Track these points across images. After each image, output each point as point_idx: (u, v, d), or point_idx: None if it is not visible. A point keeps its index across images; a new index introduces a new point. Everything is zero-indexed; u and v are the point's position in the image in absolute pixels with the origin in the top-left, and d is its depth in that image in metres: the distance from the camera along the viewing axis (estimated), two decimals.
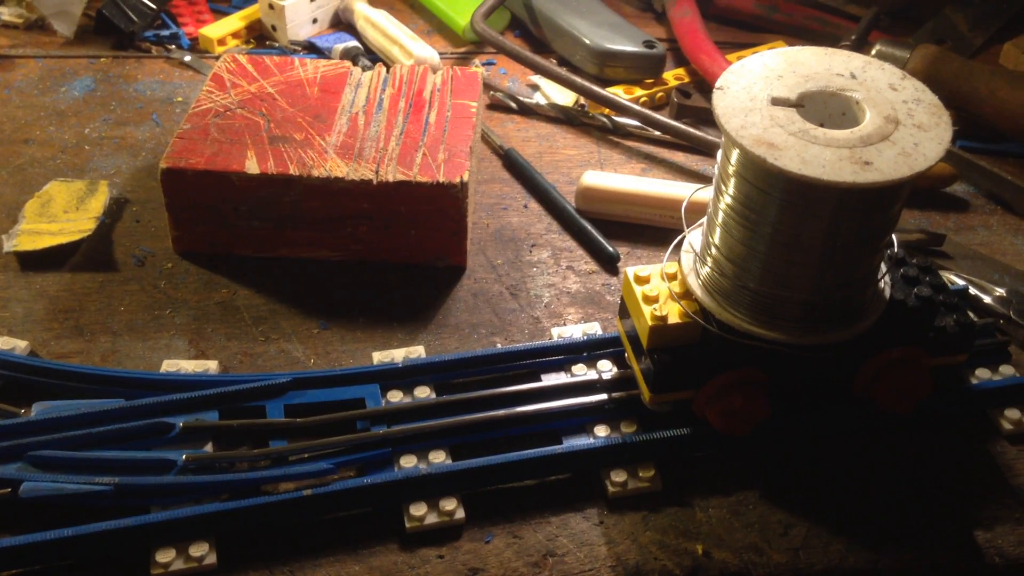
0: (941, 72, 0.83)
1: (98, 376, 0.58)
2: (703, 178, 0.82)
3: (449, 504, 0.54)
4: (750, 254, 0.52)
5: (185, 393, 0.57)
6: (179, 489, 0.53)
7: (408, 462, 0.56)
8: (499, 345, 0.65)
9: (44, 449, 0.53)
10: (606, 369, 0.61)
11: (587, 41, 0.90)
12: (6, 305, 0.65)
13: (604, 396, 0.59)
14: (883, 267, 0.55)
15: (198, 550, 0.51)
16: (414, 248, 0.70)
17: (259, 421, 0.57)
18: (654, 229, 0.75)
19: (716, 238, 0.53)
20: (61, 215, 0.71)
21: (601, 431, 0.58)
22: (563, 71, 0.86)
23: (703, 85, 0.91)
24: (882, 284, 0.56)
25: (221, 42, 0.92)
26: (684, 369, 0.55)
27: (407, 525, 0.53)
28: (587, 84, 0.86)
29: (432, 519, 0.53)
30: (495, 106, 0.88)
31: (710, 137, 0.82)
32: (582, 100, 0.89)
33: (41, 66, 0.89)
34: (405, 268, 0.70)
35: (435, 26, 1.00)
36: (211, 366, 0.61)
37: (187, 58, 0.91)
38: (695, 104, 0.87)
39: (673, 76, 0.92)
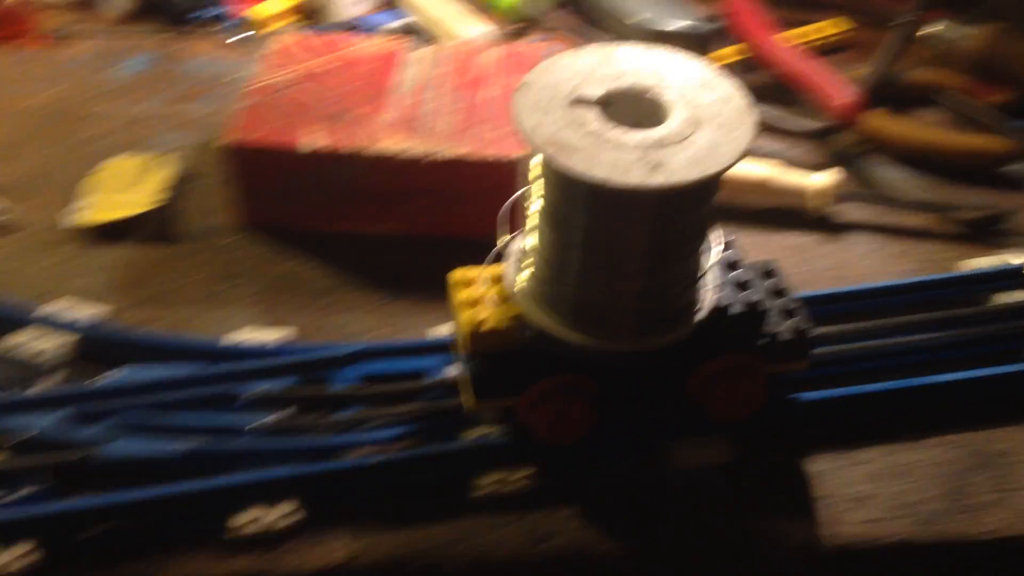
0: (1004, 51, 0.83)
1: (174, 343, 0.60)
2: (764, 155, 0.82)
3: (518, 474, 0.56)
4: (559, 257, 0.51)
5: (259, 361, 0.59)
6: (257, 453, 0.55)
7: (474, 433, 0.57)
8: None
9: (127, 411, 0.55)
10: None
11: (637, 18, 0.92)
12: (82, 274, 0.67)
13: None
14: (712, 271, 0.54)
15: (279, 511, 0.53)
16: (471, 223, 0.71)
17: (330, 389, 0.59)
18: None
19: (532, 241, 0.52)
20: (127, 188, 0.73)
21: None
22: None
23: (756, 64, 0.91)
24: (707, 288, 0.54)
25: (271, 21, 0.94)
26: (505, 375, 0.53)
27: (478, 492, 0.55)
28: None
29: (505, 487, 0.55)
30: None
31: (763, 114, 0.83)
32: None
33: (95, 45, 0.91)
34: (464, 243, 0.72)
35: (483, 4, 1.01)
36: (280, 336, 0.63)
37: (238, 37, 0.92)
38: (752, 81, 0.87)
39: (726, 54, 0.93)
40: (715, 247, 0.54)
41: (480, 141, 0.68)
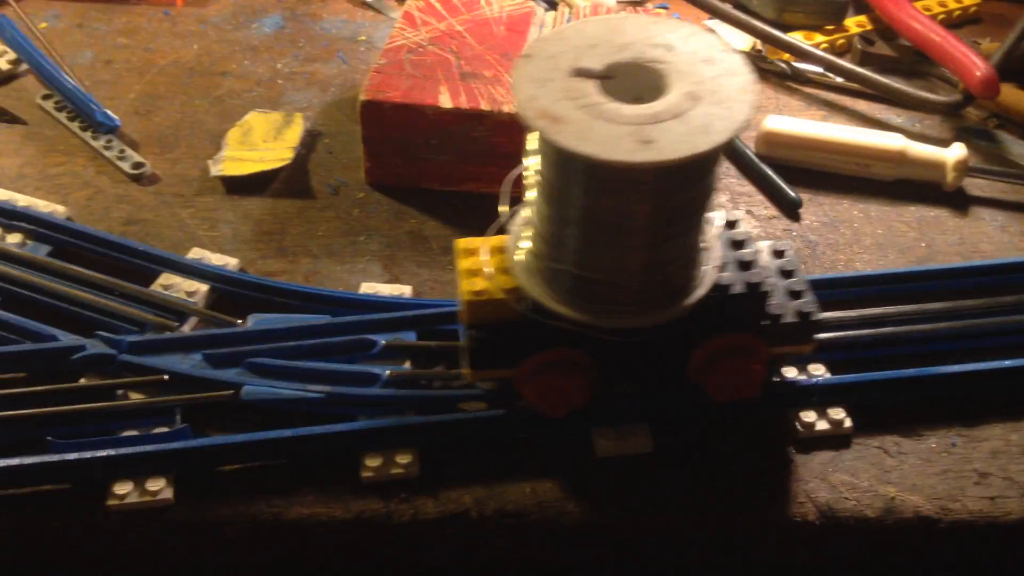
0: None
1: (304, 293, 0.62)
2: (888, 127, 0.80)
3: (637, 432, 0.55)
4: (556, 231, 0.49)
5: (385, 313, 0.60)
6: (384, 401, 0.56)
7: None
8: None
9: (261, 357, 0.57)
10: None
11: None
12: (215, 225, 0.69)
13: None
14: (716, 249, 0.52)
15: (403, 458, 0.54)
16: None
17: (455, 343, 0.59)
18: (837, 176, 0.74)
19: (532, 214, 0.51)
20: (261, 144, 0.75)
21: None
22: (740, 15, 0.86)
23: (887, 33, 0.88)
24: (708, 267, 0.52)
25: None
26: (501, 347, 0.52)
27: (597, 452, 0.55)
28: (767, 28, 0.85)
29: (622, 449, 0.55)
30: None
31: (897, 85, 0.80)
32: (759, 45, 0.88)
33: (234, 4, 0.93)
34: None
35: None
36: (405, 290, 0.64)
37: None
38: (879, 52, 0.85)
39: (855, 23, 0.90)
40: (717, 224, 0.53)
41: None
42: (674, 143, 0.43)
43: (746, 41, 0.89)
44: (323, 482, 0.54)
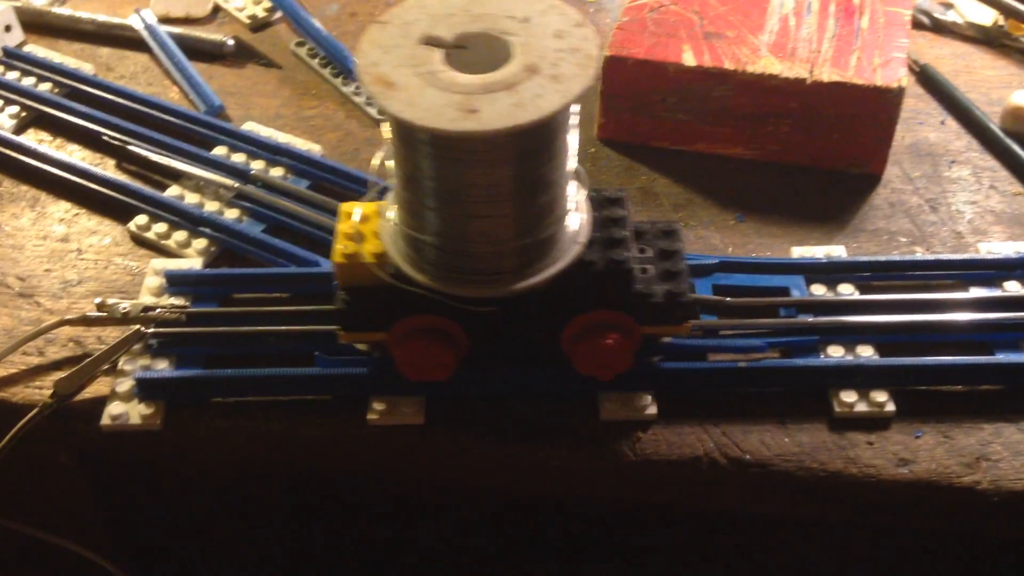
0: None
1: None
2: None
3: (880, 396, 0.55)
4: (409, 198, 0.49)
5: None
6: None
7: (835, 352, 0.57)
8: (919, 254, 0.65)
9: None
10: None
11: None
12: None
13: None
14: (586, 226, 0.52)
15: (641, 400, 0.55)
16: (832, 152, 0.70)
17: (702, 296, 0.60)
18: None
19: (393, 179, 0.51)
20: None
21: None
22: None
23: None
24: (574, 243, 0.51)
25: None
26: (370, 310, 0.52)
27: (836, 410, 0.55)
28: (1011, 2, 0.81)
29: (862, 407, 0.55)
30: None
31: None
32: (1001, 20, 0.85)
33: None
34: (816, 172, 0.71)
35: None
36: None
37: None
38: None
39: None
40: (581, 201, 0.52)
41: (863, 67, 0.67)
42: (497, 115, 0.44)
43: (989, 16, 0.85)
44: (562, 417, 0.56)
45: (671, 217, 0.68)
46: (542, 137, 0.47)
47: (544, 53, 0.46)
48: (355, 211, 0.53)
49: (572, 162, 0.50)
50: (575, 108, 0.48)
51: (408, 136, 0.47)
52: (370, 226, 0.53)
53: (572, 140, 0.49)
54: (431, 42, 0.47)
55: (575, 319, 0.53)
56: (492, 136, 0.44)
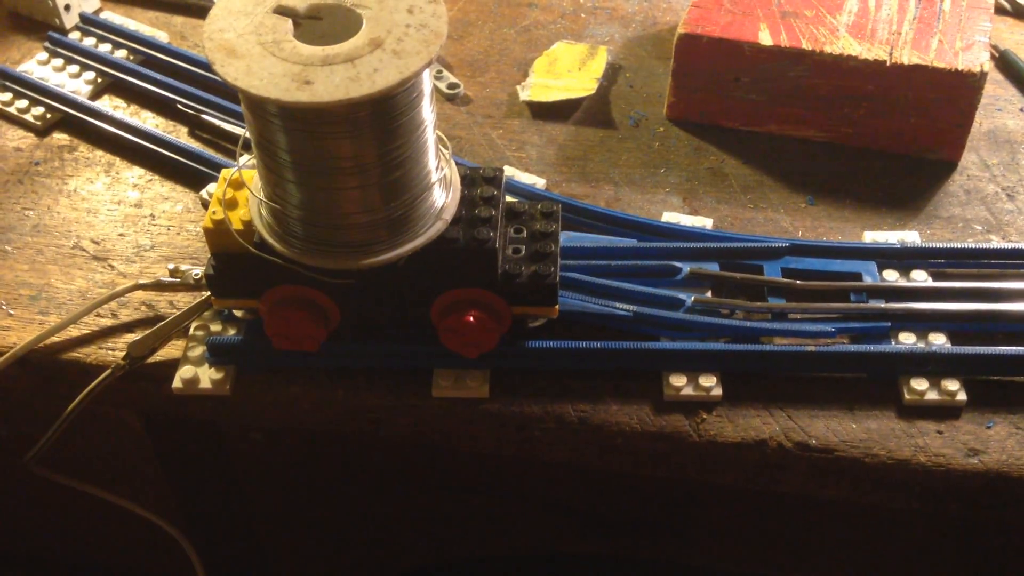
0: None
1: (611, 217, 0.64)
2: None
3: (951, 385, 0.54)
4: (262, 167, 0.49)
5: (690, 243, 0.61)
6: (687, 325, 0.57)
7: (906, 339, 0.56)
8: (995, 242, 0.63)
9: (571, 272, 0.59)
10: None
11: None
12: (522, 147, 0.72)
13: None
14: (453, 204, 0.52)
15: (707, 381, 0.55)
16: (908, 137, 0.69)
17: (760, 277, 0.60)
18: None
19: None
20: (565, 73, 0.77)
21: None
22: None
23: None
24: (437, 220, 0.51)
25: None
26: (239, 278, 0.53)
27: (907, 397, 0.54)
28: None
29: (933, 396, 0.54)
30: None
31: None
32: None
33: None
34: (890, 156, 0.70)
35: None
36: (707, 223, 0.65)
37: None
38: None
39: None
40: (451, 178, 0.52)
41: (944, 51, 0.65)
42: (330, 87, 0.43)
43: None
44: (626, 395, 0.56)
45: (741, 199, 0.68)
46: (385, 112, 0.46)
47: (392, 27, 0.46)
48: (230, 179, 0.54)
49: (430, 138, 0.50)
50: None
51: (252, 105, 0.47)
52: (245, 193, 0.54)
53: (427, 115, 0.49)
54: (283, 11, 0.47)
55: (443, 295, 0.54)
56: (325, 108, 0.44)
